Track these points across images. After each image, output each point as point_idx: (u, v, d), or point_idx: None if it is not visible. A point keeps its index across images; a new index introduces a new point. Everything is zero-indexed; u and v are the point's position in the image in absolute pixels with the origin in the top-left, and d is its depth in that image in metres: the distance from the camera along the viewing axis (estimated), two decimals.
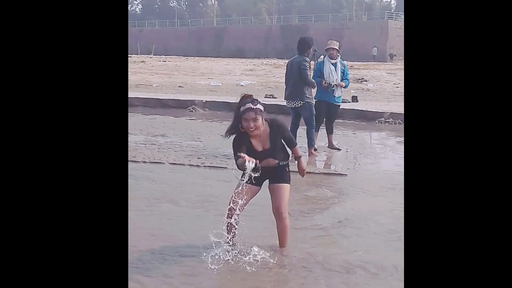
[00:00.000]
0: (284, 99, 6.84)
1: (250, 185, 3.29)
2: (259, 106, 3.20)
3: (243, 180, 3.19)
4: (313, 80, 6.57)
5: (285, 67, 6.91)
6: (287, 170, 3.43)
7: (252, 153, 3.23)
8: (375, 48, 41.35)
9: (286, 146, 3.42)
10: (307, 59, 6.52)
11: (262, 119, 3.22)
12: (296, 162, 3.49)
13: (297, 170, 3.52)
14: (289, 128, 6.90)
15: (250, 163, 3.03)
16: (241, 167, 3.09)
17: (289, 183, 3.44)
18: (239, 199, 3.37)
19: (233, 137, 3.32)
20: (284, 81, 6.94)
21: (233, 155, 3.30)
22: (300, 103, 6.55)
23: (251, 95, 3.28)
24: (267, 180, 3.45)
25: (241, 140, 3.26)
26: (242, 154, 3.09)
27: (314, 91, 6.76)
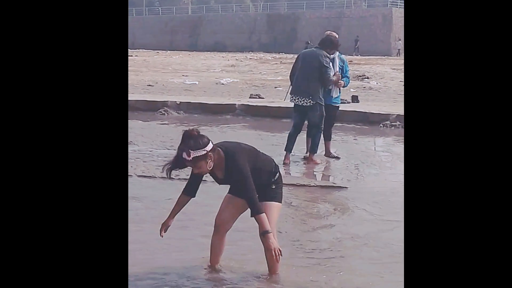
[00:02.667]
0: (290, 93, 6.86)
1: (236, 198, 3.28)
2: (196, 153, 3.07)
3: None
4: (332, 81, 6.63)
5: (296, 58, 6.97)
6: (275, 187, 3.41)
7: (215, 181, 3.37)
8: (400, 41, 39.55)
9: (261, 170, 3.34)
10: (329, 55, 6.56)
11: (208, 163, 3.15)
12: (260, 239, 3.25)
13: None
14: (289, 133, 6.88)
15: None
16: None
17: (279, 202, 3.42)
18: (223, 215, 3.35)
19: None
20: (291, 73, 6.99)
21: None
22: (310, 102, 6.58)
23: (193, 134, 3.10)
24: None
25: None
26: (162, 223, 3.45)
27: None
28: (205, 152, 3.11)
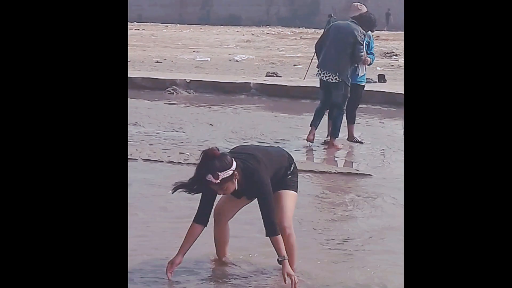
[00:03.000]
0: (317, 67, 6.87)
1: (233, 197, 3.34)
2: (224, 174, 3.04)
3: None
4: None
5: (325, 29, 7.01)
6: (290, 177, 3.41)
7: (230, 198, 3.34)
8: None
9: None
10: (364, 33, 6.53)
11: (234, 183, 3.12)
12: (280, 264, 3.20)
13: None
14: (317, 107, 6.86)
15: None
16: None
17: (295, 191, 3.42)
18: (223, 204, 3.40)
19: None
20: (318, 44, 6.98)
21: None
22: (336, 79, 6.55)
23: (215, 155, 3.07)
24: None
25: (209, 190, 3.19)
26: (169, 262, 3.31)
27: None
28: (232, 172, 3.07)
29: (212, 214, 3.37)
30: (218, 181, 3.03)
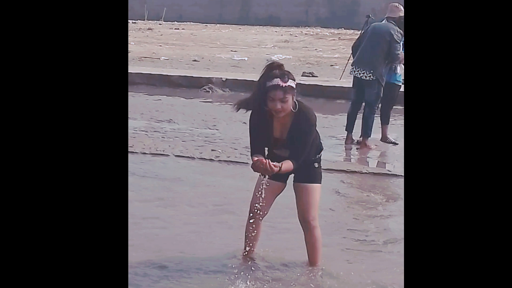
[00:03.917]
0: (351, 64, 6.87)
1: (272, 181, 3.25)
2: (290, 82, 3.13)
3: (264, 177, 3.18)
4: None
5: (362, 29, 6.99)
6: (317, 166, 3.38)
7: (268, 139, 3.24)
8: None
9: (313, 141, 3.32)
10: (402, 33, 6.48)
11: (293, 99, 3.16)
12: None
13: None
14: (348, 111, 6.82)
15: (268, 167, 3.05)
16: (257, 170, 3.13)
17: (320, 183, 3.40)
18: (259, 201, 3.35)
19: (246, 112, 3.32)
20: (355, 44, 6.98)
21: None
22: (370, 77, 6.52)
23: (281, 65, 3.21)
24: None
25: (260, 119, 3.23)
26: (259, 159, 3.09)
27: None
28: (295, 85, 3.15)
29: (249, 210, 3.41)
30: (286, 84, 3.09)
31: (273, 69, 3.16)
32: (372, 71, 6.47)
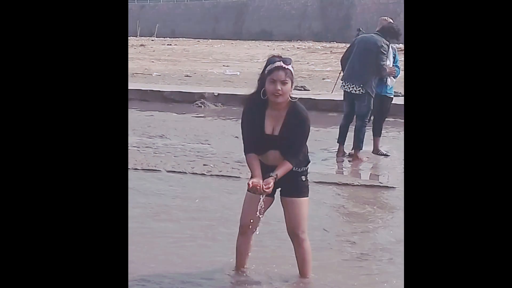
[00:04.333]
0: (341, 79, 6.93)
1: (257, 196, 3.25)
2: (290, 67, 3.20)
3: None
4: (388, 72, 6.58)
5: (351, 43, 7.02)
6: (304, 179, 3.37)
7: (259, 134, 3.24)
8: None
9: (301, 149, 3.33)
10: (388, 43, 6.55)
11: (292, 86, 3.21)
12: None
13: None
14: (340, 124, 6.84)
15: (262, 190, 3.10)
16: (254, 192, 3.16)
17: (307, 196, 3.40)
18: (249, 215, 3.34)
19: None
20: (343, 57, 7.02)
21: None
22: (360, 90, 6.56)
23: (278, 55, 3.30)
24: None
25: (254, 113, 3.25)
26: (254, 184, 3.11)
27: None
28: (293, 72, 3.20)
29: (239, 226, 3.42)
30: (287, 66, 3.16)
31: (275, 57, 3.26)
32: (362, 85, 6.51)
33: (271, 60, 3.24)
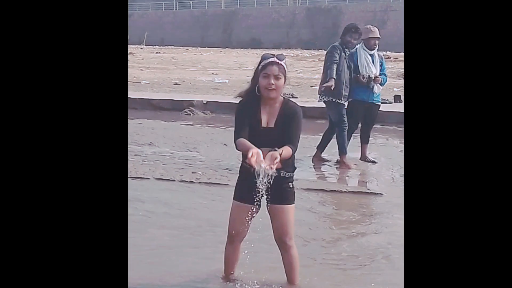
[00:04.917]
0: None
1: (246, 204, 3.28)
2: (283, 63, 3.26)
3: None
4: (333, 75, 6.54)
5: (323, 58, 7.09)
6: (291, 186, 3.38)
7: (255, 128, 3.25)
8: None
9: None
10: (340, 47, 6.62)
11: (284, 82, 3.26)
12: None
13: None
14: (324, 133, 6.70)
15: (257, 161, 2.96)
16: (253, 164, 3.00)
17: (294, 203, 3.40)
18: (237, 224, 3.35)
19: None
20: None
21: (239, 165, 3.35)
22: (323, 98, 6.73)
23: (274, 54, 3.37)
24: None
25: (248, 107, 3.29)
26: (253, 152, 2.99)
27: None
28: (286, 70, 3.25)
29: (227, 235, 3.43)
30: (281, 62, 3.22)
31: (268, 53, 3.35)
32: (323, 94, 6.71)
33: (265, 56, 3.32)
